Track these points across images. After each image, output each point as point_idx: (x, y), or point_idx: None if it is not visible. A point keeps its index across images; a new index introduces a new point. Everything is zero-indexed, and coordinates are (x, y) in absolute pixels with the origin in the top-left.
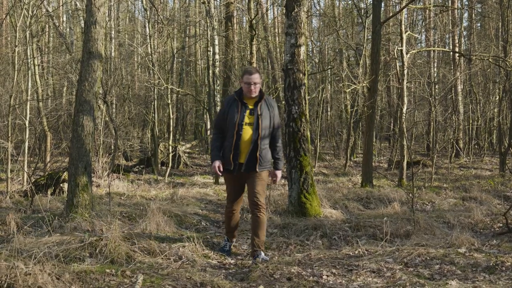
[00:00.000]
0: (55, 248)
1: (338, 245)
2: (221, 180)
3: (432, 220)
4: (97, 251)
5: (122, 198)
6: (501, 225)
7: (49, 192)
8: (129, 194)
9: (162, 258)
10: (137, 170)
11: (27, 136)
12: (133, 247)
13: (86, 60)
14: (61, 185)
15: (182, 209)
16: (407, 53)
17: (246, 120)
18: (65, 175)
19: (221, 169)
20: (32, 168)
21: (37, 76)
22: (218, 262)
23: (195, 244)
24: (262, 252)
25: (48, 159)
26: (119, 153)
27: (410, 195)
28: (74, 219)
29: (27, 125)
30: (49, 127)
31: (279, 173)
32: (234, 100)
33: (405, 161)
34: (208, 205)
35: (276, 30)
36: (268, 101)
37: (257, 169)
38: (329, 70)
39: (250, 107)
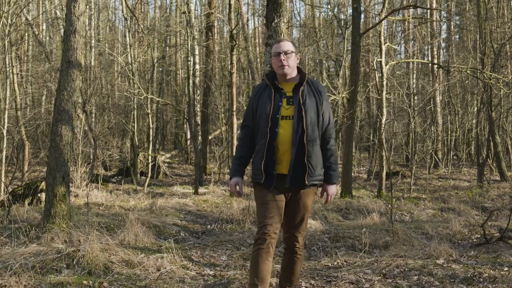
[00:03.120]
0: (31, 259)
1: (317, 256)
2: (201, 190)
3: (411, 231)
4: (74, 262)
5: (100, 208)
6: (479, 236)
7: (26, 202)
8: (108, 204)
9: (140, 269)
10: (115, 180)
11: (4, 146)
12: (111, 258)
13: (65, 69)
14: (39, 195)
15: (161, 220)
16: (386, 64)
17: (283, 111)
18: (43, 185)
19: (240, 191)
20: (10, 178)
21: (16, 85)
22: (196, 273)
23: (174, 255)
24: None
25: (26, 168)
26: (98, 163)
27: (389, 206)
28: (51, 230)
29: (4, 134)
30: (28, 136)
31: (333, 189)
32: (265, 87)
33: (384, 171)
34: (187, 215)
35: (257, 40)
36: (314, 85)
37: (307, 182)
38: None
39: (288, 93)
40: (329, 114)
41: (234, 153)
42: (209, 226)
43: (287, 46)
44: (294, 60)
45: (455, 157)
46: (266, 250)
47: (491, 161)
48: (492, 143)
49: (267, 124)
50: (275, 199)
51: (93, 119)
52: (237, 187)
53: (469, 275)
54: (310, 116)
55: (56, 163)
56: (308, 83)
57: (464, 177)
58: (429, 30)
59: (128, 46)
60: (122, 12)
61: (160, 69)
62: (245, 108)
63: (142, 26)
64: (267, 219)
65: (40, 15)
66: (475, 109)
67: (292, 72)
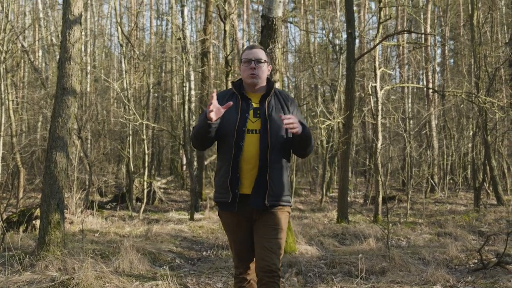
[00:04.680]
0: (25, 287)
1: (313, 283)
2: (197, 216)
3: (408, 256)
4: None
5: (95, 235)
6: (476, 261)
7: (21, 229)
8: (103, 231)
9: None
10: (111, 206)
11: None
12: (105, 286)
13: (60, 96)
14: (34, 222)
15: (156, 246)
16: (381, 89)
17: (250, 124)
18: (37, 211)
19: (214, 102)
20: (4, 205)
21: (11, 111)
22: None
23: (169, 283)
24: None
25: (21, 195)
26: (94, 189)
27: (386, 231)
28: (45, 257)
29: (0, 160)
30: (23, 162)
31: (296, 120)
32: (231, 95)
33: (381, 196)
34: (182, 242)
35: None
36: (281, 96)
37: (266, 202)
38: (304, 105)
39: (255, 105)
40: (302, 120)
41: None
42: (204, 253)
43: (260, 54)
44: (265, 71)
45: (451, 181)
46: (244, 283)
47: (487, 185)
48: (488, 167)
49: (233, 137)
50: (244, 225)
51: (89, 145)
52: (213, 99)
53: None
54: (275, 129)
55: (51, 190)
56: (276, 94)
57: (460, 201)
58: (423, 54)
59: (124, 72)
60: (118, 38)
61: (156, 95)
62: None
63: (137, 52)
64: (242, 261)
65: (36, 42)
66: (471, 133)
67: (261, 83)
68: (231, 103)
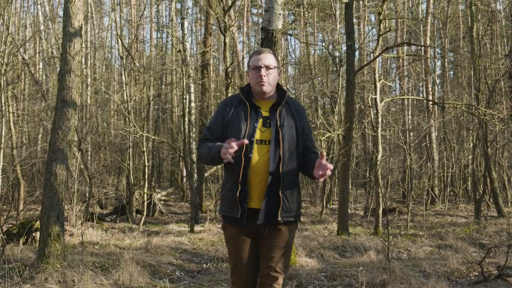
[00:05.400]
0: None
1: None
2: (197, 228)
3: (408, 268)
4: None
5: (95, 247)
6: (476, 273)
7: (21, 242)
8: (103, 243)
9: None
10: (111, 218)
11: None
12: None
13: (60, 108)
14: (34, 234)
15: (156, 259)
16: (381, 101)
17: (259, 134)
18: (37, 224)
19: (233, 148)
20: (5, 217)
21: (12, 123)
22: None
23: None
24: None
25: (21, 207)
26: (94, 201)
27: (386, 243)
28: (45, 270)
29: (0, 173)
30: (23, 175)
31: (326, 163)
32: (239, 101)
33: (381, 208)
34: (182, 254)
35: None
36: (292, 104)
37: (279, 217)
38: None
39: (265, 113)
40: (309, 136)
41: (200, 154)
42: (204, 265)
43: (269, 59)
44: (276, 77)
45: (451, 193)
46: None
47: (488, 197)
48: (488, 179)
49: (242, 149)
50: (249, 243)
51: (89, 157)
52: (232, 145)
53: None
54: (288, 140)
55: (51, 203)
56: (287, 102)
57: (461, 213)
58: (423, 66)
59: (124, 84)
60: (118, 51)
61: (156, 107)
62: None
63: (138, 65)
64: (240, 276)
65: (37, 54)
66: (471, 145)
67: (271, 90)
68: (246, 141)
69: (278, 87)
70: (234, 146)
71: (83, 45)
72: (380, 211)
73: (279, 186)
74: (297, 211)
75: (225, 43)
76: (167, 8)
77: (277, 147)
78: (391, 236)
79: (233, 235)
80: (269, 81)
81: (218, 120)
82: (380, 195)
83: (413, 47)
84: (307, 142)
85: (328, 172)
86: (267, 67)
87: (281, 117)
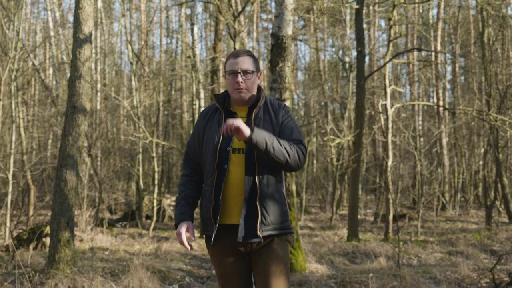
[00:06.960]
0: None
1: None
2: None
3: (419, 275)
4: None
5: (105, 253)
6: (488, 280)
7: (31, 247)
8: (113, 248)
9: None
10: (121, 224)
11: (10, 190)
12: None
13: (70, 114)
14: (44, 239)
15: (166, 265)
16: (391, 107)
17: (236, 143)
18: (47, 229)
19: (190, 240)
20: (15, 222)
21: (22, 129)
22: None
23: None
24: None
25: (31, 213)
26: (104, 207)
27: (396, 249)
28: (55, 276)
29: (10, 178)
30: (33, 180)
31: (239, 123)
32: (214, 111)
33: (391, 214)
34: (192, 260)
35: (262, 83)
36: (272, 106)
37: (259, 232)
38: (314, 123)
39: (242, 119)
40: (289, 130)
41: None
42: (214, 271)
43: (247, 63)
44: (255, 82)
45: (462, 199)
46: None
47: (499, 203)
48: (499, 185)
49: (215, 159)
50: (235, 263)
51: (99, 163)
52: (184, 236)
53: None
54: None
55: (61, 208)
56: (266, 104)
57: (472, 219)
58: (434, 72)
59: (134, 90)
60: (128, 56)
61: (166, 112)
62: None
63: (147, 70)
64: None
65: (47, 60)
66: (482, 151)
67: (250, 96)
68: (188, 247)
69: (258, 88)
70: (182, 237)
71: (93, 51)
72: (391, 217)
73: (256, 198)
74: (282, 223)
75: (234, 48)
76: (177, 13)
77: (251, 154)
78: (401, 243)
79: (216, 255)
80: (247, 86)
81: (194, 134)
82: (390, 201)
83: (424, 53)
84: (283, 138)
85: (230, 123)
86: (245, 72)
87: (256, 120)
